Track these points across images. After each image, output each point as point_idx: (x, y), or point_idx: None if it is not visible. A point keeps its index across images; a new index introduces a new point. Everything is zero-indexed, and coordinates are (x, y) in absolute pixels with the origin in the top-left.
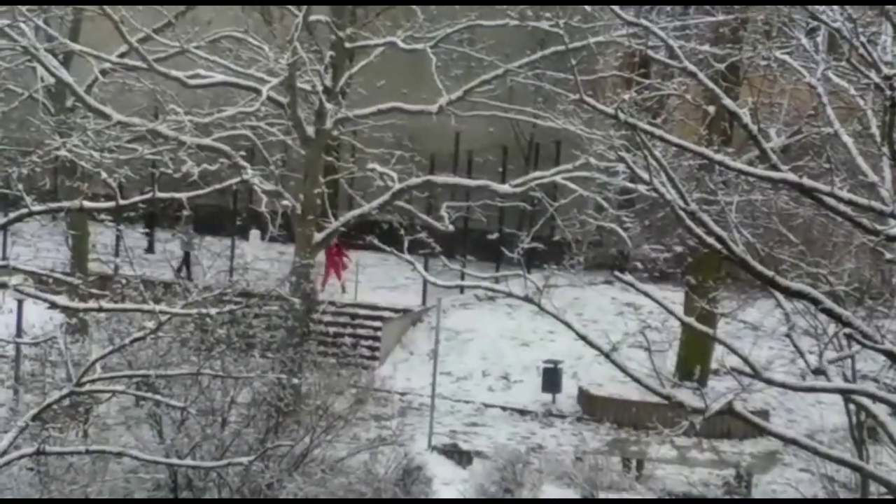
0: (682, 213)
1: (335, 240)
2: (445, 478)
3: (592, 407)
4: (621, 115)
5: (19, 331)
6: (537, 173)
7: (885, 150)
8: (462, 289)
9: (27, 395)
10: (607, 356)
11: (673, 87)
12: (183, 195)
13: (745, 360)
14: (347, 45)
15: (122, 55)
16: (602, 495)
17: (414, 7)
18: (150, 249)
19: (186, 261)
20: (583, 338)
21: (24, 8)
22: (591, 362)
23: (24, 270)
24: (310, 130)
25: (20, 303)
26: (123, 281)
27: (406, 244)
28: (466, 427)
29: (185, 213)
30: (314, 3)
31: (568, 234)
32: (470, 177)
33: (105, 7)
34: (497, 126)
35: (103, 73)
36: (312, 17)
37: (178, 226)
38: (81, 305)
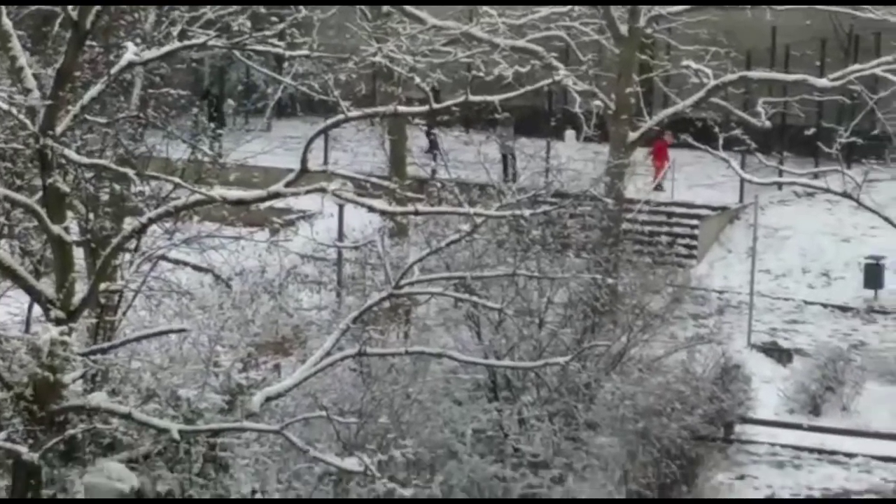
0: None
1: (666, 136)
2: (765, 376)
3: None
4: None
5: (340, 235)
6: (856, 66)
7: None
8: (779, 185)
9: (349, 297)
10: None
11: None
12: (496, 97)
13: None
14: None
15: None
16: None
17: None
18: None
19: (505, 162)
20: None
21: None
22: None
23: (342, 175)
24: (623, 29)
25: (340, 207)
26: (439, 184)
27: (721, 141)
28: (786, 324)
29: (504, 115)
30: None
31: (888, 128)
32: (787, 71)
33: None
34: (815, 19)
35: None
36: None
37: (496, 128)
38: (399, 209)
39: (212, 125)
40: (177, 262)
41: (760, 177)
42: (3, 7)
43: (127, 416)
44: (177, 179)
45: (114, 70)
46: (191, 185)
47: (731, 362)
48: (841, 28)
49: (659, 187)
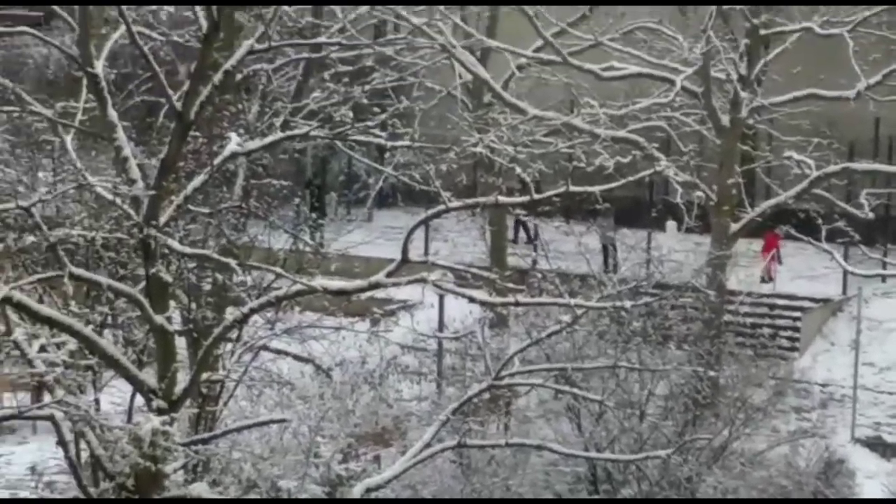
0: None
1: (777, 230)
2: (869, 470)
3: None
4: None
5: (441, 325)
6: None
7: None
8: (883, 277)
9: (449, 388)
10: None
11: None
12: (597, 188)
13: None
14: (762, 31)
15: (537, 50)
16: None
17: None
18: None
19: (606, 253)
20: None
21: (441, 7)
22: None
23: (443, 266)
24: (724, 119)
25: (441, 298)
26: (540, 275)
27: (824, 233)
28: (890, 418)
29: (605, 205)
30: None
31: None
32: (890, 162)
33: (521, 3)
34: None
35: (519, 68)
36: (727, 6)
37: (598, 218)
38: (499, 300)
39: (313, 215)
40: (278, 352)
41: (864, 269)
42: (109, 98)
43: None
44: (278, 269)
45: (217, 160)
46: (292, 275)
47: (835, 457)
48: None
49: (765, 279)
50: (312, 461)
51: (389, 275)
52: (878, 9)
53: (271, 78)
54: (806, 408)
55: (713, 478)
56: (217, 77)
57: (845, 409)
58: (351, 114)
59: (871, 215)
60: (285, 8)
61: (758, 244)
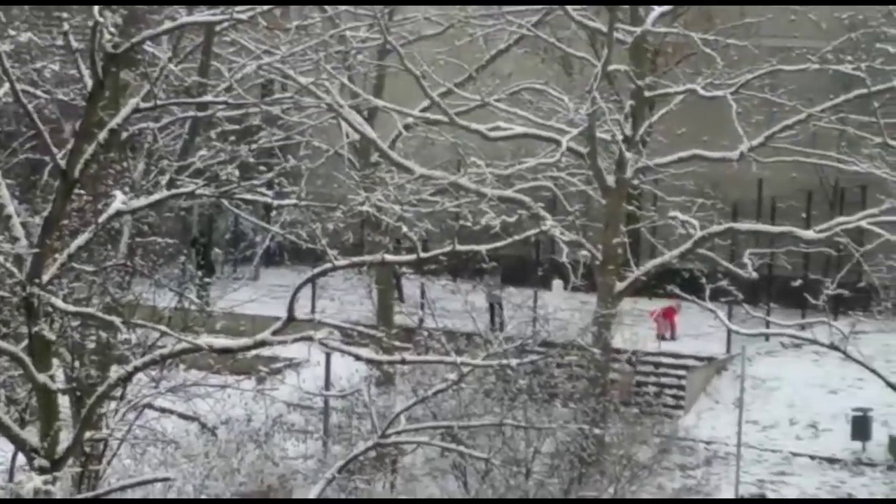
0: None
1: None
2: None
3: None
4: None
5: (327, 383)
6: (842, 218)
7: None
8: (767, 336)
9: (335, 446)
10: None
11: None
12: (483, 247)
13: None
14: (647, 93)
15: (424, 109)
16: None
17: (713, 54)
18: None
19: (492, 311)
20: (892, 385)
21: (328, 66)
22: None
23: (329, 324)
24: (610, 180)
25: (327, 356)
26: (426, 333)
27: (708, 292)
28: (774, 476)
29: (492, 264)
30: None
31: (875, 280)
32: (773, 223)
33: (407, 63)
34: (800, 171)
35: (406, 127)
36: (612, 67)
37: (484, 277)
38: (385, 358)
39: (199, 273)
40: (162, 410)
41: (748, 328)
42: None
43: None
44: (163, 328)
45: (102, 218)
46: (177, 333)
47: None
48: (827, 181)
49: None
50: None
51: (275, 333)
52: (760, 72)
53: (157, 136)
54: (690, 465)
55: None
56: (102, 135)
57: (729, 466)
58: (237, 172)
59: (754, 275)
60: (171, 66)
61: (643, 303)
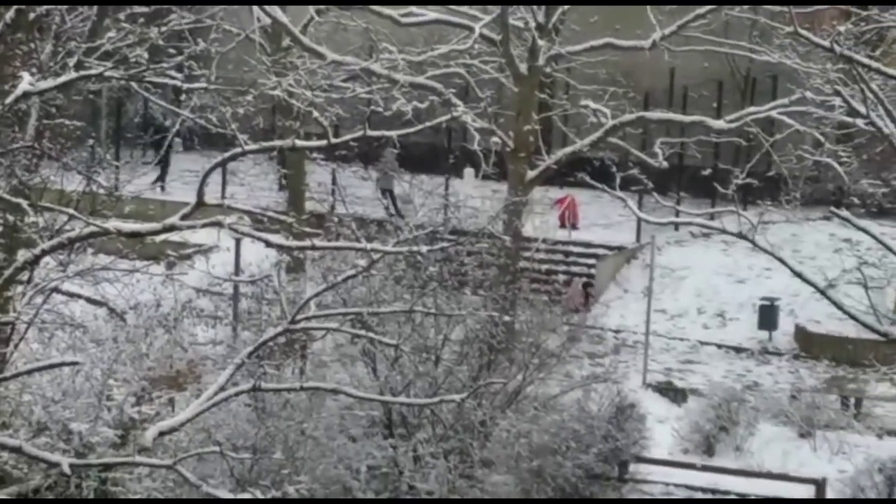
0: None
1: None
2: (660, 415)
3: (809, 344)
4: (837, 48)
5: (237, 269)
6: (753, 108)
7: None
8: (676, 225)
9: (244, 332)
10: (823, 293)
11: (892, 18)
12: (394, 132)
13: None
14: None
15: None
16: (819, 434)
17: None
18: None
19: (391, 198)
20: (798, 275)
21: None
22: (808, 299)
23: (240, 209)
24: (522, 67)
25: (237, 242)
26: (337, 219)
27: (619, 181)
28: (681, 364)
29: (388, 150)
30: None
31: (784, 170)
32: (684, 112)
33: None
34: (712, 61)
35: (318, 12)
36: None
37: (377, 163)
38: (296, 244)
39: (108, 157)
40: (70, 294)
41: (657, 217)
42: None
43: (17, 450)
44: (71, 211)
45: (8, 100)
46: (86, 216)
47: (627, 401)
48: (738, 70)
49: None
50: (105, 404)
51: (184, 217)
52: None
53: (65, 17)
54: (599, 353)
55: (506, 422)
56: (8, 15)
57: (637, 355)
58: (147, 55)
59: (664, 164)
60: None
61: (554, 192)
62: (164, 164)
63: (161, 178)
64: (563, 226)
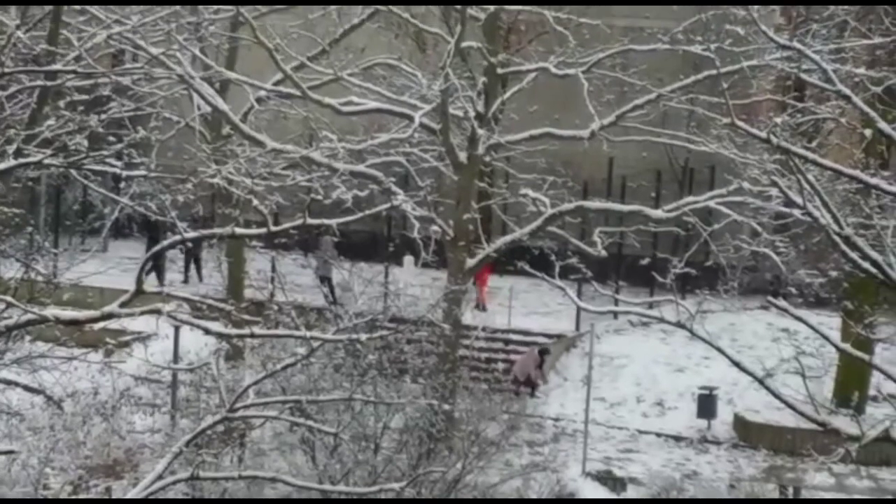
0: (837, 238)
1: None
2: None
3: (748, 433)
4: (774, 140)
5: (176, 357)
6: (691, 198)
7: None
8: (615, 314)
9: (183, 420)
10: (762, 382)
11: (828, 110)
12: (334, 221)
13: None
14: (500, 70)
15: (276, 83)
16: None
17: (566, 32)
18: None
19: (329, 285)
20: (737, 364)
21: (180, 37)
22: (747, 388)
23: (178, 297)
24: (462, 156)
25: (176, 329)
26: (276, 307)
27: (558, 269)
28: (620, 453)
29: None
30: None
31: (722, 259)
32: (623, 202)
33: (260, 36)
34: (650, 151)
35: (258, 101)
36: (465, 44)
37: (316, 251)
38: (235, 332)
39: (46, 244)
40: (7, 382)
41: (596, 305)
42: None
43: None
44: (9, 298)
45: None
46: (23, 304)
47: (566, 490)
48: (676, 161)
49: (479, 307)
50: (41, 493)
51: (123, 305)
52: (611, 51)
53: (4, 105)
54: (539, 442)
55: None
56: None
57: (577, 443)
58: (86, 142)
59: (603, 253)
60: (20, 34)
61: (494, 280)
62: (156, 263)
63: (159, 278)
64: (476, 306)
